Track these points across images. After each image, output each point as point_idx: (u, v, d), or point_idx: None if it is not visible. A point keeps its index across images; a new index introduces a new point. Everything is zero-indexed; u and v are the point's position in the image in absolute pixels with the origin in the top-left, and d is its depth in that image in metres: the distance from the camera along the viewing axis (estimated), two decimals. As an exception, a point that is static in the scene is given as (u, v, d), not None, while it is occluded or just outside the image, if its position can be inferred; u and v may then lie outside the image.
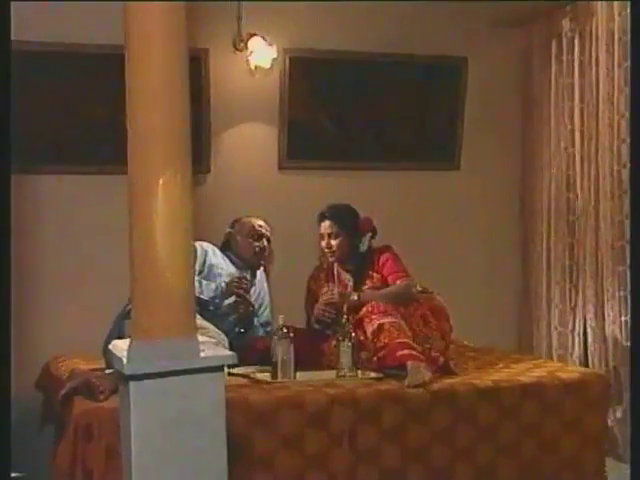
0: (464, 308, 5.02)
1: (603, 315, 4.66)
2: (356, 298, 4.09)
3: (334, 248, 4.26)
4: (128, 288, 2.43)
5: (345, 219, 4.31)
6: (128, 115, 2.36)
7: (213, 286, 4.10)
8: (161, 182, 2.31)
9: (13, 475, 4.02)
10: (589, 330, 4.77)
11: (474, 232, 5.33)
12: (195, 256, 4.22)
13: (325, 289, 4.26)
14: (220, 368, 2.35)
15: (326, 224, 4.28)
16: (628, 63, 4.40)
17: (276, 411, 3.35)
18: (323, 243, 4.29)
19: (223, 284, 4.10)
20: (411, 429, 3.51)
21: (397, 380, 3.64)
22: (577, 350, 4.85)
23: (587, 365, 4.73)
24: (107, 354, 3.14)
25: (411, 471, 3.52)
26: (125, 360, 2.27)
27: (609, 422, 4.50)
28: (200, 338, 2.38)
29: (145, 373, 2.26)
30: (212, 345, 2.37)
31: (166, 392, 2.30)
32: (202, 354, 2.33)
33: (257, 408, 3.33)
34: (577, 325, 4.88)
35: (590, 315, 4.76)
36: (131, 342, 2.33)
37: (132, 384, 2.27)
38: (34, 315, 4.47)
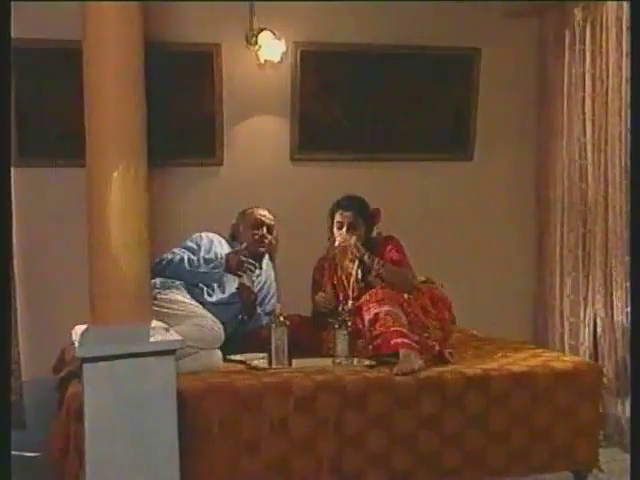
0: (479, 298, 5.07)
1: (612, 305, 4.65)
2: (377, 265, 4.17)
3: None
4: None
5: (364, 211, 4.38)
6: (85, 112, 2.48)
7: (212, 255, 4.21)
8: (115, 175, 2.43)
9: (30, 455, 4.23)
10: (598, 320, 4.75)
11: (488, 223, 5.31)
12: (198, 245, 4.35)
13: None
14: (170, 352, 2.45)
15: (348, 214, 4.31)
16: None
17: (262, 396, 3.43)
18: (338, 231, 4.32)
19: (222, 253, 4.22)
20: (398, 416, 3.58)
21: (389, 367, 3.71)
22: (587, 340, 4.83)
23: (597, 355, 4.71)
24: None
25: (398, 457, 3.59)
26: (77, 344, 2.39)
27: (618, 412, 4.51)
28: (153, 323, 2.49)
29: (96, 356, 2.38)
30: (162, 330, 2.47)
31: (117, 374, 2.42)
32: (152, 339, 2.44)
33: (243, 393, 3.42)
34: (588, 315, 4.87)
35: (599, 305, 4.75)
36: (87, 327, 2.46)
37: (85, 366, 2.40)
38: (60, 300, 4.59)
